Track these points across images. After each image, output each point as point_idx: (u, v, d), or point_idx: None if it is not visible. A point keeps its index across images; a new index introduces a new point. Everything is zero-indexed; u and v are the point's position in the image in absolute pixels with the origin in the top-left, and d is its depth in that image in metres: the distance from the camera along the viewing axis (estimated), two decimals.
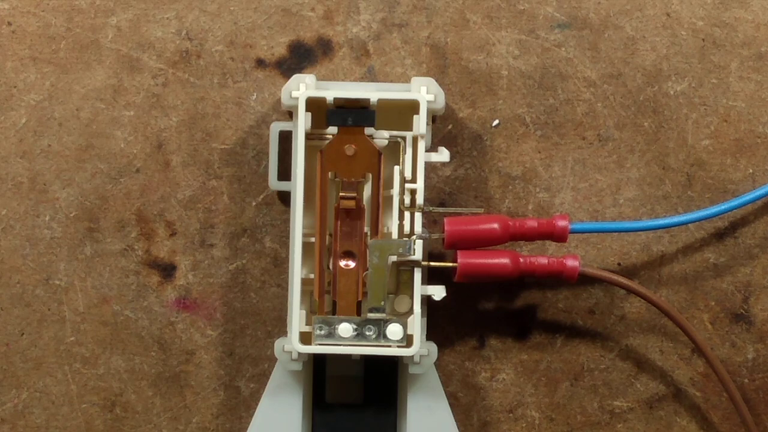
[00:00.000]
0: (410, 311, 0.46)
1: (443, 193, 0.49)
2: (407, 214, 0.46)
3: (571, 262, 0.47)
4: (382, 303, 0.46)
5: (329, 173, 0.46)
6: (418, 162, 0.46)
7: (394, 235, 0.46)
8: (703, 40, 0.49)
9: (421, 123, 0.46)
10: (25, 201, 0.49)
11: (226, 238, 0.49)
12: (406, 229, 0.46)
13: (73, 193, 0.49)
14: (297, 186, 0.45)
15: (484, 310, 0.49)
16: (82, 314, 0.49)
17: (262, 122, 0.49)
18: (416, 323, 0.45)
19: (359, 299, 0.46)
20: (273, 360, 0.48)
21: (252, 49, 0.49)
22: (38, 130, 0.49)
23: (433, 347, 0.47)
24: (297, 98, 0.45)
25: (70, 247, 0.49)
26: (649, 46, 0.49)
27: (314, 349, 0.46)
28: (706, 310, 0.50)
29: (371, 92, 0.46)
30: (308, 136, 0.46)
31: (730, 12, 0.49)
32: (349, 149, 0.46)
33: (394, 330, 0.45)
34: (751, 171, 0.49)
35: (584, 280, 0.48)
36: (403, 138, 0.46)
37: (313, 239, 0.46)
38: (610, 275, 0.48)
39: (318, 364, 0.48)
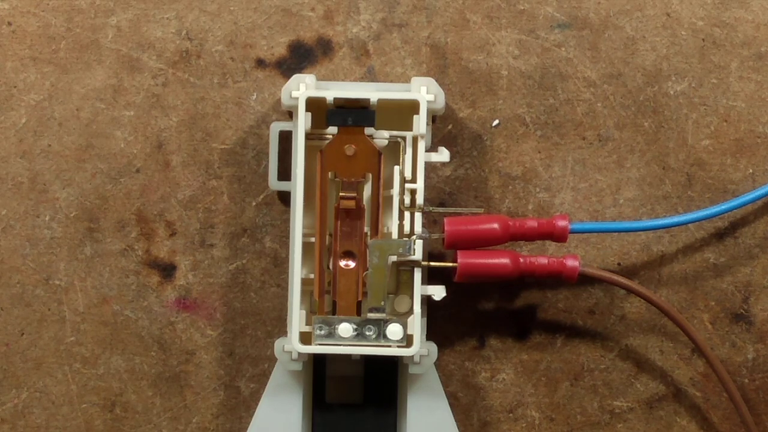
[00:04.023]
0: (410, 311, 0.46)
1: (443, 193, 0.49)
2: (407, 214, 0.46)
3: (571, 262, 0.47)
4: (382, 303, 0.46)
5: (329, 173, 0.46)
6: (418, 162, 0.46)
7: (394, 235, 0.46)
8: (703, 40, 0.49)
9: (421, 123, 0.46)
10: (25, 201, 0.49)
11: (226, 238, 0.49)
12: (406, 229, 0.46)
13: (73, 193, 0.49)
14: (297, 186, 0.45)
15: (484, 310, 0.49)
16: (82, 314, 0.49)
17: (262, 122, 0.49)
18: (416, 323, 0.45)
19: (359, 299, 0.46)
20: (273, 360, 0.48)
21: (252, 49, 0.49)
22: (38, 130, 0.49)
23: (433, 347, 0.47)
24: (297, 98, 0.45)
25: (70, 247, 0.49)
26: (649, 46, 0.49)
27: (314, 349, 0.46)
28: (706, 310, 0.50)
29: (371, 92, 0.46)
30: (308, 136, 0.46)
31: (730, 12, 0.49)
32: (349, 149, 0.46)
33: (394, 330, 0.45)
34: (751, 171, 0.49)
35: (584, 280, 0.48)
36: (403, 138, 0.46)
37: (313, 239, 0.46)
38: (610, 275, 0.48)
39: (318, 364, 0.48)
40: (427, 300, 0.47)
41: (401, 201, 0.46)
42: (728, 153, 0.49)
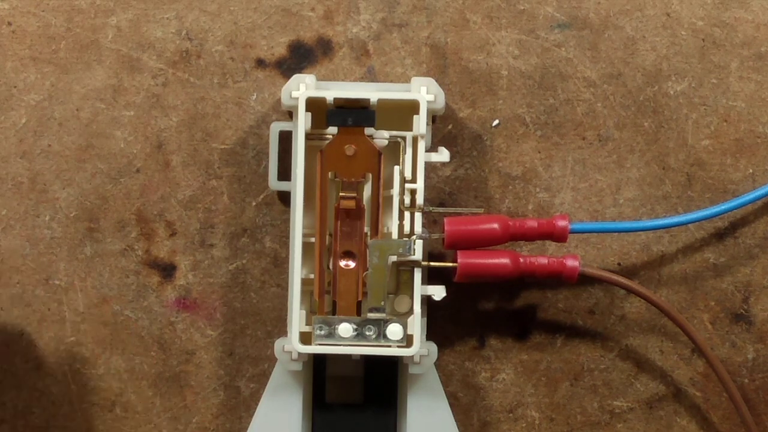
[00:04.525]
0: (410, 311, 0.46)
1: (443, 193, 0.49)
2: (407, 214, 0.46)
3: (571, 262, 0.47)
4: (382, 303, 0.46)
5: (329, 173, 0.46)
6: (418, 162, 0.46)
7: (394, 235, 0.46)
8: (703, 40, 0.49)
9: (421, 123, 0.46)
10: (25, 201, 0.49)
11: (226, 238, 0.49)
12: (406, 229, 0.46)
13: (73, 193, 0.49)
14: (297, 186, 0.45)
15: (484, 310, 0.49)
16: (82, 314, 0.49)
17: (262, 122, 0.49)
18: (416, 323, 0.45)
19: (359, 299, 0.46)
20: (273, 360, 0.48)
21: (252, 49, 0.49)
22: (38, 130, 0.49)
23: (433, 347, 0.47)
24: (297, 98, 0.45)
25: (70, 247, 0.49)
26: (649, 46, 0.49)
27: (314, 349, 0.46)
28: (706, 310, 0.50)
29: (371, 92, 0.46)
30: (308, 136, 0.46)
31: (730, 12, 0.49)
32: (349, 149, 0.46)
33: (394, 330, 0.45)
34: (751, 171, 0.49)
35: (584, 280, 0.48)
36: (403, 138, 0.46)
37: (313, 239, 0.46)
38: (610, 275, 0.48)
39: (318, 364, 0.48)
40: (427, 300, 0.47)
41: (401, 201, 0.46)
42: (728, 153, 0.49)
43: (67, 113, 0.49)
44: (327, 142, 0.46)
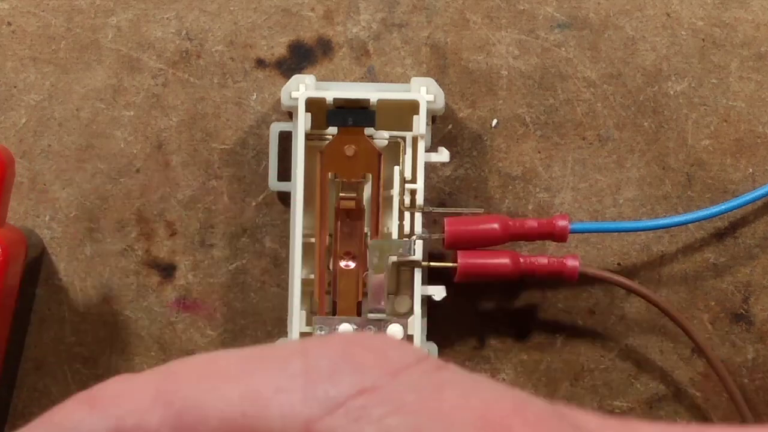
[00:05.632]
0: (410, 311, 0.46)
1: (443, 193, 0.49)
2: (407, 215, 0.46)
3: (571, 262, 0.47)
4: (383, 303, 0.46)
5: (329, 174, 0.46)
6: (418, 162, 0.46)
7: (394, 236, 0.46)
8: (703, 40, 0.49)
9: (420, 123, 0.46)
10: (25, 201, 0.49)
11: (226, 238, 0.49)
12: (406, 229, 0.46)
13: (73, 193, 0.49)
14: (297, 186, 0.45)
15: (484, 310, 0.49)
16: (82, 314, 0.49)
17: (262, 122, 0.49)
18: (416, 323, 0.45)
19: (359, 300, 0.46)
20: None
21: (252, 49, 0.49)
22: (38, 130, 0.49)
23: (433, 347, 0.47)
24: (297, 99, 0.45)
25: (70, 247, 0.49)
26: (649, 46, 0.49)
27: None
28: (706, 310, 0.50)
29: (371, 92, 0.46)
30: (308, 137, 0.46)
31: (730, 12, 0.49)
32: (349, 150, 0.46)
33: (394, 330, 0.45)
34: (751, 171, 0.49)
35: (584, 280, 0.48)
36: (403, 138, 0.46)
37: (313, 240, 0.46)
38: (610, 275, 0.48)
39: None
40: (427, 300, 0.47)
41: (401, 201, 0.46)
42: (728, 153, 0.49)
43: (67, 113, 0.49)
44: (327, 142, 0.46)
